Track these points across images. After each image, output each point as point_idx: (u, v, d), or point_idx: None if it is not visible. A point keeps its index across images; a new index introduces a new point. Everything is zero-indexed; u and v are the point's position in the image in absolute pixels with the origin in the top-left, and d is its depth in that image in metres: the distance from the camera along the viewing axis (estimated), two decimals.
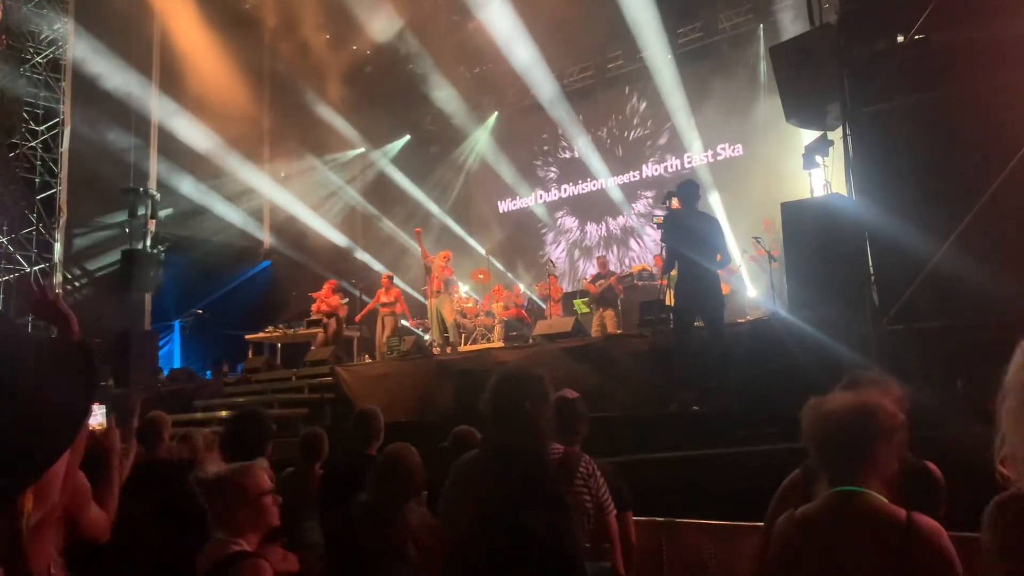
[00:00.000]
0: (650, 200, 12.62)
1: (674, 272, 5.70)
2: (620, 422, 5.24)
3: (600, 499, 2.25)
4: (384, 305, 10.13)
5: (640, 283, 9.80)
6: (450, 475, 2.10)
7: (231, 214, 13.39)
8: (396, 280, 10.82)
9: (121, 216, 11.12)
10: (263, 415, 2.96)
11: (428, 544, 2.28)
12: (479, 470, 2.04)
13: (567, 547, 1.91)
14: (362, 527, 2.39)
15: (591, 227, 13.70)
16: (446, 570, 1.99)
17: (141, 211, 10.44)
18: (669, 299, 6.40)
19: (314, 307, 10.51)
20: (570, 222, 13.98)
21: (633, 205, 13.11)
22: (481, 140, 14.48)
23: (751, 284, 9.48)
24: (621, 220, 13.23)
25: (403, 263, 13.88)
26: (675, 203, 5.91)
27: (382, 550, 2.36)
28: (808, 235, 5.50)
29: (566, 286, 12.75)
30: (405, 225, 14.37)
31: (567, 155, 13.95)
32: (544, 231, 14.14)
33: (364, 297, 11.00)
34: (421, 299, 11.53)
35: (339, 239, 14.63)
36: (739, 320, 7.43)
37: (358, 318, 10.28)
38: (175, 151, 11.97)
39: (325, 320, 10.19)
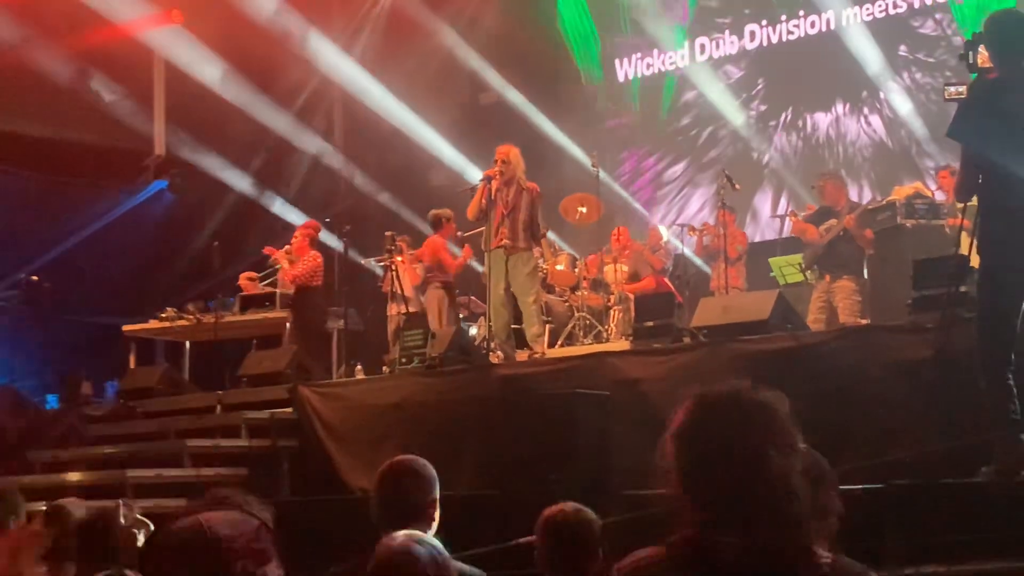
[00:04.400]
0: (930, 54, 9.87)
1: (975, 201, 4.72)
2: (879, 500, 4.35)
3: None
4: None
5: (911, 222, 7.44)
6: None
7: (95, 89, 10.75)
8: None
9: None
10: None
11: None
12: None
13: None
14: None
15: (808, 111, 10.64)
16: None
17: None
18: (974, 255, 4.99)
19: (251, 277, 8.77)
20: (763, 99, 10.94)
21: (899, 68, 10.04)
22: None
23: None
24: (869, 94, 10.20)
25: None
26: (984, 58, 4.58)
27: None
28: None
29: (753, 231, 10.19)
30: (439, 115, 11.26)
31: None
32: (710, 118, 11.28)
33: (353, 253, 8.96)
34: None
35: (308, 140, 11.68)
36: None
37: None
38: None
39: (295, 297, 8.25)
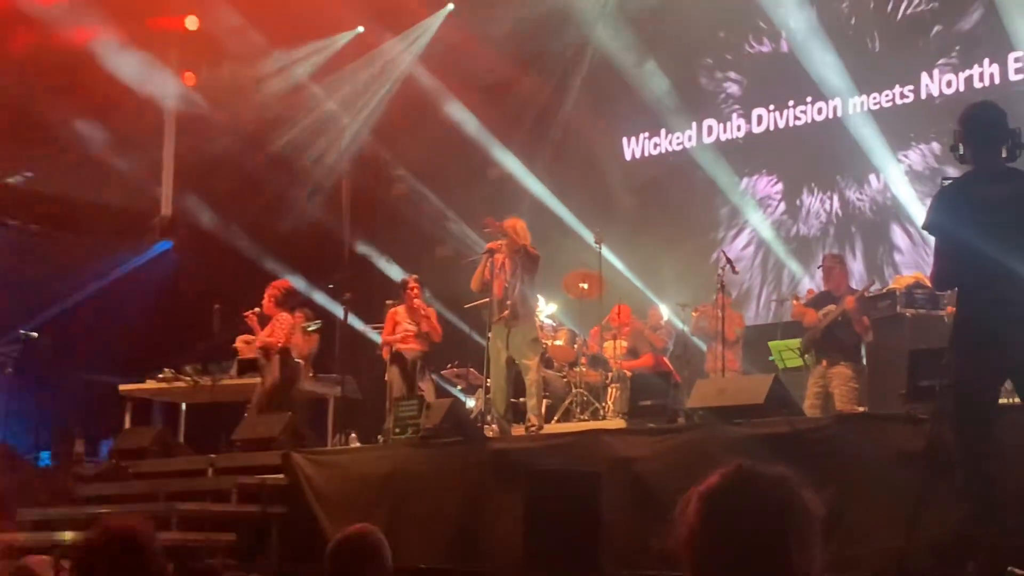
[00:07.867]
0: (934, 143, 9.49)
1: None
2: None
3: None
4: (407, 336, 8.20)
5: (911, 311, 7.35)
6: None
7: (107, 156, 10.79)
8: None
9: None
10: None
11: None
12: None
13: None
14: None
15: (810, 196, 10.43)
16: None
17: None
18: None
19: (247, 340, 8.63)
20: (766, 184, 10.78)
21: (901, 153, 9.77)
22: (598, 30, 11.10)
23: None
24: (873, 183, 9.99)
25: (441, 264, 10.80)
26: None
27: None
28: None
29: (753, 313, 10.09)
30: (445, 187, 11.55)
31: (764, 49, 10.93)
32: (714, 200, 11.11)
33: (353, 318, 8.88)
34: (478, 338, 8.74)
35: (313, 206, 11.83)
36: None
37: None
38: None
39: (263, 360, 8.25)
